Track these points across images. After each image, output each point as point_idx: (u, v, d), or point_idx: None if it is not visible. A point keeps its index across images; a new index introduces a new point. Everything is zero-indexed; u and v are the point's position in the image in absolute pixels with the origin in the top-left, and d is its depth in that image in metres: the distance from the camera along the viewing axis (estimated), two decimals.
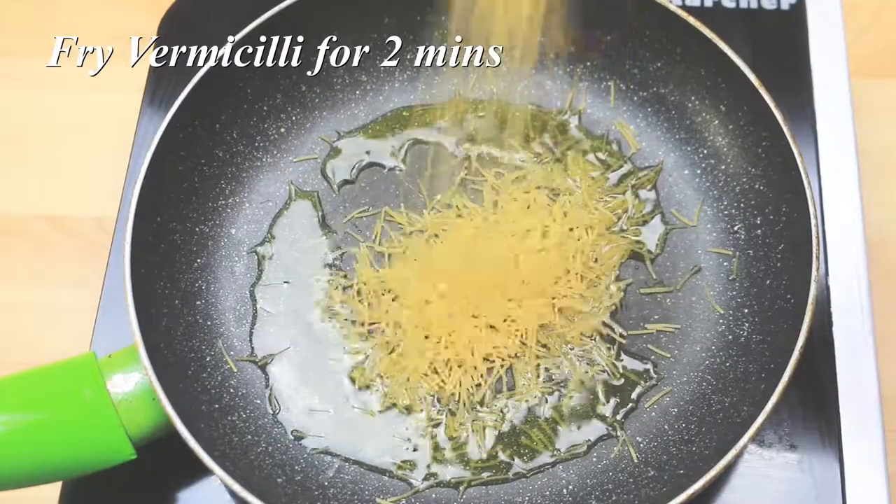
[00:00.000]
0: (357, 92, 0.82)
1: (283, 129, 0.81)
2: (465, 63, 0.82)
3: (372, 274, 0.75)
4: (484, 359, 0.71)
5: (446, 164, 0.80)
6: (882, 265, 0.78)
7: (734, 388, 0.69)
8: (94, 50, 0.91)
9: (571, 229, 0.75)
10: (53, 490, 0.70)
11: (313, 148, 0.81)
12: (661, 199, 0.78)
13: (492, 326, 0.72)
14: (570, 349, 0.73)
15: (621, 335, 0.73)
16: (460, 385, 0.71)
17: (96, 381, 0.65)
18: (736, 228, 0.76)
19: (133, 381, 0.66)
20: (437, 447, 0.70)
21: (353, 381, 0.72)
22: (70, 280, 0.82)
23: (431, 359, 0.71)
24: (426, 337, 0.72)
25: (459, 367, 0.71)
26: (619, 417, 0.71)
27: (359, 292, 0.74)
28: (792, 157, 0.70)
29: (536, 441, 0.70)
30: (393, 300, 0.74)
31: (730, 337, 0.72)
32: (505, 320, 0.72)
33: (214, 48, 0.75)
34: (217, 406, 0.70)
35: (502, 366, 0.72)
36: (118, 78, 0.89)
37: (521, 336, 0.72)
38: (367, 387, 0.72)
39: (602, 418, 0.71)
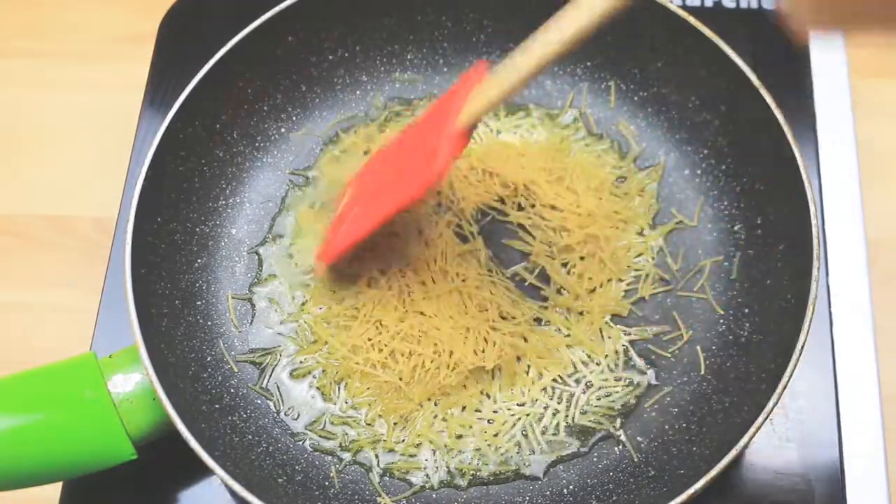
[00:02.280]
0: (357, 92, 0.83)
1: (283, 129, 0.81)
2: (465, 63, 0.83)
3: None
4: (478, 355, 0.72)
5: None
6: (882, 265, 0.78)
7: (734, 388, 0.69)
8: (93, 50, 0.92)
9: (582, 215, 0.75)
10: (54, 490, 0.71)
11: (313, 148, 0.81)
12: (661, 199, 0.78)
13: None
14: (572, 349, 0.73)
15: (622, 335, 0.73)
16: (463, 388, 0.71)
17: (97, 381, 0.65)
18: (736, 228, 0.76)
19: (133, 382, 0.66)
20: (437, 447, 0.70)
21: (347, 386, 0.72)
22: (70, 280, 0.82)
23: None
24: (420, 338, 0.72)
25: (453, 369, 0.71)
26: (619, 417, 0.71)
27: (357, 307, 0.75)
28: (792, 157, 0.69)
29: (537, 441, 0.70)
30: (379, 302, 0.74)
31: (730, 337, 0.72)
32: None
33: (215, 48, 0.75)
34: (217, 406, 0.70)
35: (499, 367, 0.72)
36: (118, 78, 0.89)
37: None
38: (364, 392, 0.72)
39: (602, 418, 0.71)
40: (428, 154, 0.65)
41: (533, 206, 0.77)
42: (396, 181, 0.69)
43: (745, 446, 0.62)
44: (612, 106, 0.81)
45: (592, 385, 0.72)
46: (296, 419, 0.71)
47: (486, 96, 0.63)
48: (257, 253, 0.77)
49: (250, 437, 0.70)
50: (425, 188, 0.66)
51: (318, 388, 0.72)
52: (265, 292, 0.76)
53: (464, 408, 0.71)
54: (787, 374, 0.64)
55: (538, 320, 0.73)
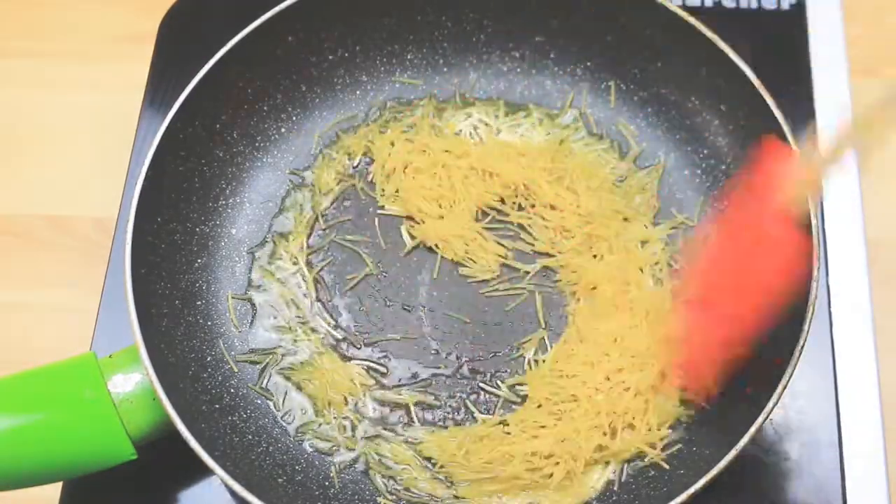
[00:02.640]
0: (357, 92, 0.82)
1: (283, 129, 0.81)
2: (465, 63, 0.83)
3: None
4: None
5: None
6: (882, 265, 0.78)
7: (734, 387, 0.69)
8: (93, 50, 0.92)
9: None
10: (54, 490, 0.70)
11: (313, 148, 0.81)
12: (662, 199, 0.78)
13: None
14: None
15: None
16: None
17: (97, 381, 0.65)
18: None
19: (133, 382, 0.66)
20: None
21: (348, 394, 0.72)
22: (70, 280, 0.82)
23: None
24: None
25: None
26: None
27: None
28: None
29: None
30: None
31: None
32: None
33: (215, 48, 0.75)
34: (217, 406, 0.70)
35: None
36: (118, 78, 0.89)
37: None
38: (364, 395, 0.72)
39: None
40: (772, 252, 0.62)
41: (533, 206, 0.77)
42: (742, 290, 0.64)
43: (745, 446, 0.62)
44: (612, 106, 0.81)
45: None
46: (291, 422, 0.71)
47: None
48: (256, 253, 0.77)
49: (250, 437, 0.70)
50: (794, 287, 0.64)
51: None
52: (265, 292, 0.76)
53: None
54: (787, 374, 0.64)
55: None
